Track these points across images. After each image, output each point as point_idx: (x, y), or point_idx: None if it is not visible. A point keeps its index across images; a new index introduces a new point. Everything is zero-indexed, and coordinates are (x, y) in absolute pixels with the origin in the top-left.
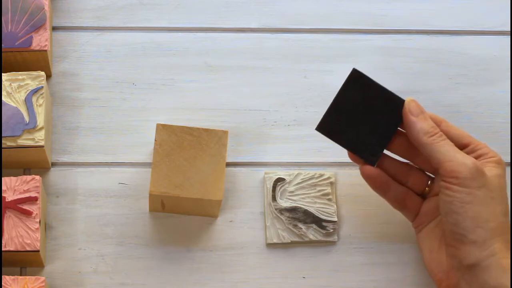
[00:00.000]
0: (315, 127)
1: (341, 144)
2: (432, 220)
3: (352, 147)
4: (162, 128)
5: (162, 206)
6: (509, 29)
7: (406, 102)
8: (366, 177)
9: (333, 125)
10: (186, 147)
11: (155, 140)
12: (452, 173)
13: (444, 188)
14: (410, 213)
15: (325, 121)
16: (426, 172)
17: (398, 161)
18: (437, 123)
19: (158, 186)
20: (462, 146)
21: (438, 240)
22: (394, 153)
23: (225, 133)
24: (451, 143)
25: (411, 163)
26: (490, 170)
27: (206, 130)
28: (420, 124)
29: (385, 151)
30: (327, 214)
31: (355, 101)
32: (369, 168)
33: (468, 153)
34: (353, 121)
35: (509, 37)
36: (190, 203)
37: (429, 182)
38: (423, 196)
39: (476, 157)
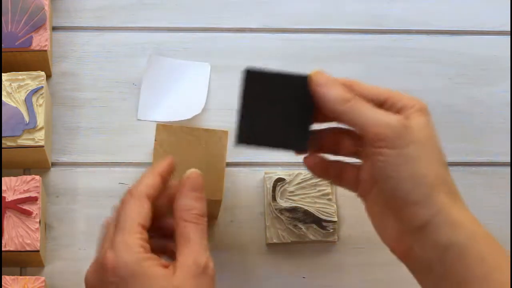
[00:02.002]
0: (234, 144)
1: (268, 147)
2: (374, 185)
3: (280, 145)
4: (162, 128)
5: None
6: (509, 29)
7: (311, 76)
8: (310, 168)
9: (250, 133)
10: (186, 147)
11: (155, 140)
12: (378, 136)
13: (374, 154)
14: (350, 185)
15: (242, 132)
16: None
17: (326, 131)
18: (349, 87)
19: None
20: (380, 104)
21: (383, 206)
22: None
23: (225, 133)
24: (368, 105)
25: (338, 126)
26: (415, 121)
27: (206, 130)
28: (331, 93)
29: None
30: (327, 214)
31: (261, 99)
32: (310, 159)
33: (388, 109)
34: (268, 120)
35: (509, 37)
36: None
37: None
38: (359, 157)
39: (398, 111)
